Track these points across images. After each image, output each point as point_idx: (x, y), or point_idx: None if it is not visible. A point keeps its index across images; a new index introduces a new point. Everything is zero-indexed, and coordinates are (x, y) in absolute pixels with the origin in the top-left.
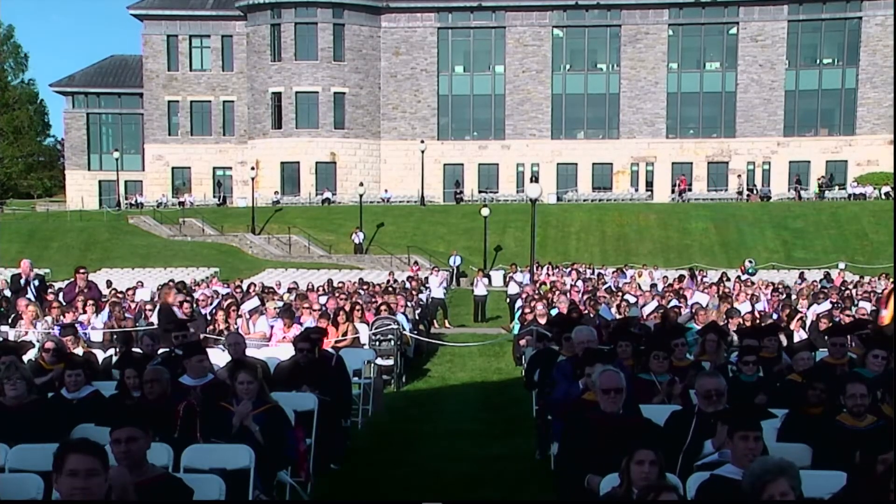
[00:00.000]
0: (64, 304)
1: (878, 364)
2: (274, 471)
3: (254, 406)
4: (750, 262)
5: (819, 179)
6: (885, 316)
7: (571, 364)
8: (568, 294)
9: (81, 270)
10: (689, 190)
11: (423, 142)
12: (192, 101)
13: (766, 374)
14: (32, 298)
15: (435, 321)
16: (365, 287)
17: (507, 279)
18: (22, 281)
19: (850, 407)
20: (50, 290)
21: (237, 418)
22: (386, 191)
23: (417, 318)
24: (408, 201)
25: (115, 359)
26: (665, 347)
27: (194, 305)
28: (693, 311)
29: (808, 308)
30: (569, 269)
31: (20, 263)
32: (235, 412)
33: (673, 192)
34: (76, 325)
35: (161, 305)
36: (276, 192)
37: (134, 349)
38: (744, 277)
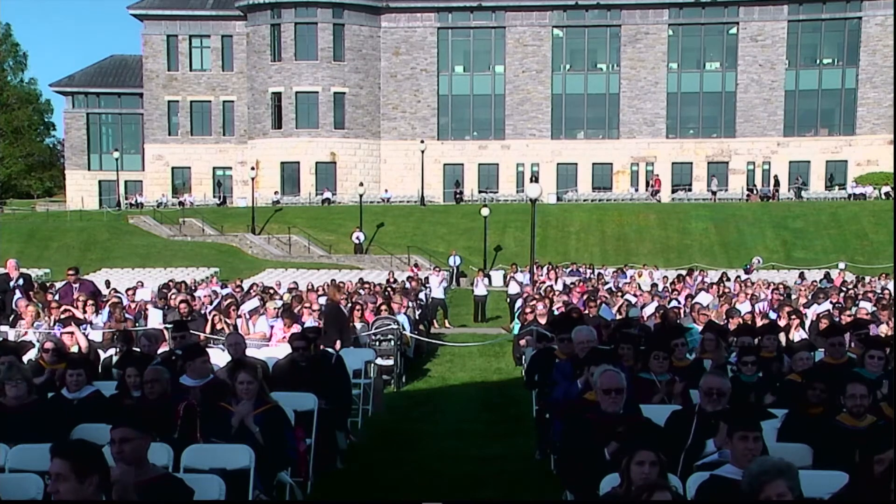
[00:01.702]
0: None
1: (876, 364)
2: (274, 471)
3: (254, 406)
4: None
5: (796, 181)
6: None
7: (571, 364)
8: (569, 294)
9: (70, 271)
10: (688, 189)
11: (423, 142)
12: (192, 101)
13: (766, 374)
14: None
15: (435, 321)
16: (365, 287)
17: (508, 279)
18: (11, 283)
19: (850, 407)
20: (49, 291)
21: (237, 418)
22: (386, 191)
23: (417, 318)
24: (408, 201)
25: (115, 359)
26: (665, 347)
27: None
28: (695, 309)
29: (807, 308)
30: (555, 268)
31: (6, 263)
32: (235, 412)
33: (673, 191)
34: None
35: (329, 304)
36: (276, 192)
37: (134, 349)
38: (744, 277)
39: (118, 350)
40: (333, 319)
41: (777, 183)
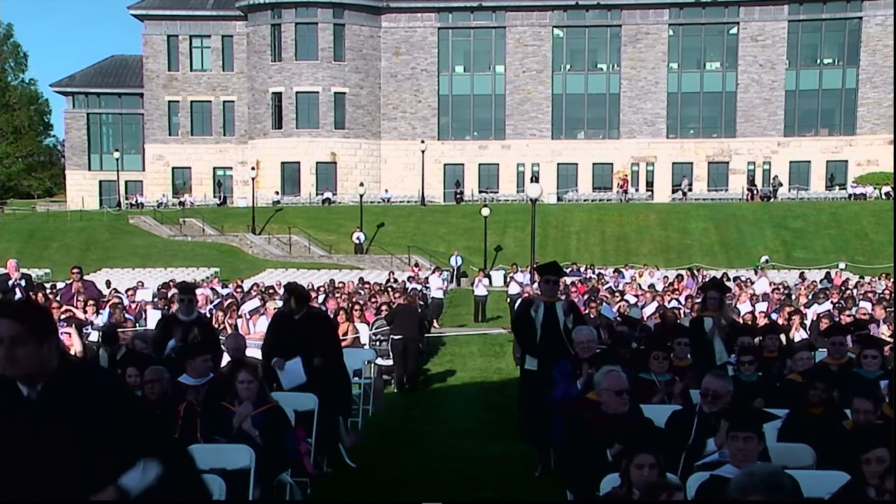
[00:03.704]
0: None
1: (872, 363)
2: (274, 472)
3: (254, 406)
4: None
5: (773, 181)
6: None
7: (572, 364)
8: (568, 295)
9: (75, 270)
10: (688, 189)
11: (423, 142)
12: (192, 101)
13: (766, 375)
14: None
15: (435, 321)
16: (365, 287)
17: (508, 279)
18: (10, 282)
19: (855, 420)
20: (49, 292)
21: (238, 419)
22: (386, 191)
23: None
24: (408, 201)
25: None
26: (664, 347)
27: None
28: (695, 310)
29: (807, 308)
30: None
31: (6, 263)
32: (236, 413)
33: (673, 191)
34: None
35: (404, 305)
36: (276, 192)
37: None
38: (744, 278)
39: (103, 348)
40: (411, 316)
41: (752, 182)
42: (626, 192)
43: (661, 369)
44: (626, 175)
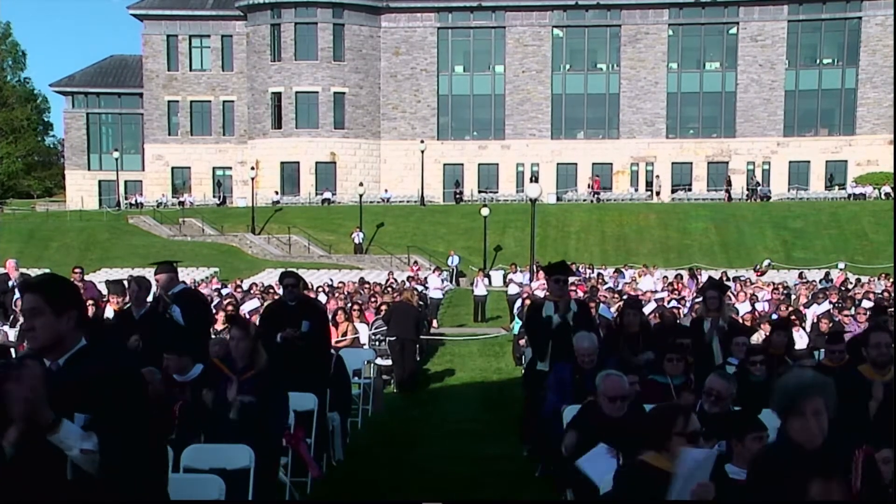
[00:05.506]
0: None
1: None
2: (270, 443)
3: (242, 371)
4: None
5: (751, 182)
6: None
7: (570, 368)
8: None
9: (76, 270)
10: (688, 189)
11: (423, 142)
12: (191, 101)
13: (771, 372)
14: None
15: (435, 321)
16: (365, 287)
17: (507, 279)
18: (10, 282)
19: (875, 357)
20: None
21: (230, 394)
22: (386, 191)
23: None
24: (408, 201)
25: None
26: (676, 348)
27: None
28: (693, 309)
29: (807, 308)
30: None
31: (6, 263)
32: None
33: (673, 191)
34: None
35: (402, 303)
36: (275, 192)
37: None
38: (743, 277)
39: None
40: (406, 316)
41: (729, 182)
42: (596, 193)
43: (676, 371)
44: (598, 176)
